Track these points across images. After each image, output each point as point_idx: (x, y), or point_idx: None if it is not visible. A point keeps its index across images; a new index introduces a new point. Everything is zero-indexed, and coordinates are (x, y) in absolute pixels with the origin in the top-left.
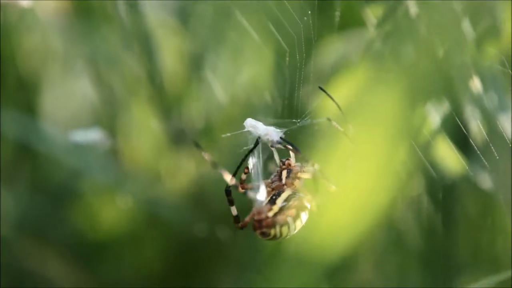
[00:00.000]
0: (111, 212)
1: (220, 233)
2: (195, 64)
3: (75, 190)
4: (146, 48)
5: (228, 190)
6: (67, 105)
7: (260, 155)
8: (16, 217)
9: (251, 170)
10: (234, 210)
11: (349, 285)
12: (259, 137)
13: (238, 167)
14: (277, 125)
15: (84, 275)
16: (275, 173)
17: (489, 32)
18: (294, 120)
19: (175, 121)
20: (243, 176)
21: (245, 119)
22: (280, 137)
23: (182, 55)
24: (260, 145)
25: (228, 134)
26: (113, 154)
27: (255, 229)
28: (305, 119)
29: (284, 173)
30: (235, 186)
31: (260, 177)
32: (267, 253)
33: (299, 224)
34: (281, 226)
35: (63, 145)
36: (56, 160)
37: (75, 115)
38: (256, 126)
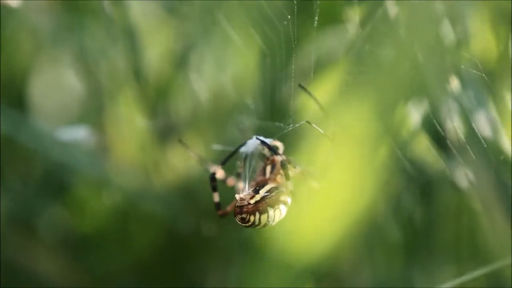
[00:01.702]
0: (99, 206)
1: (207, 227)
2: (181, 61)
3: (63, 184)
4: (132, 43)
5: (213, 176)
6: (55, 99)
7: (249, 158)
8: (5, 210)
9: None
10: (216, 197)
11: (331, 279)
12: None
13: (226, 160)
14: (260, 129)
15: (72, 268)
16: (260, 168)
17: (462, 37)
18: (277, 124)
19: (161, 116)
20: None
21: (229, 116)
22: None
23: (168, 51)
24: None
25: (219, 148)
26: (100, 148)
27: (235, 214)
28: (287, 124)
29: (269, 168)
30: (223, 180)
31: (247, 169)
32: (253, 248)
33: (278, 216)
34: (261, 214)
35: (51, 140)
36: (44, 154)
37: (63, 109)
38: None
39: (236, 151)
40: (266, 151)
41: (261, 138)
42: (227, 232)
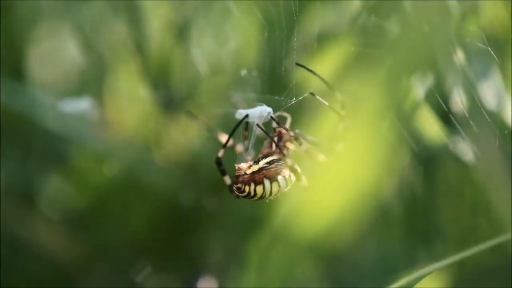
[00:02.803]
0: (99, 178)
1: (207, 201)
2: (181, 34)
3: (63, 156)
4: (134, 15)
5: (218, 160)
6: (55, 70)
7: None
8: (4, 181)
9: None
10: (227, 180)
11: (333, 253)
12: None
13: (228, 139)
14: (261, 102)
15: (72, 241)
16: (268, 140)
17: (470, 10)
18: (276, 98)
19: (162, 88)
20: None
21: (228, 89)
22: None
23: (169, 24)
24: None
25: (218, 110)
26: (101, 120)
27: (233, 183)
28: (288, 98)
29: (276, 140)
30: (232, 146)
31: (251, 141)
32: (256, 222)
33: (276, 188)
34: (256, 185)
35: (51, 111)
36: (44, 125)
37: (63, 80)
38: (252, 114)
39: (235, 128)
40: (273, 123)
41: (269, 109)
42: (229, 206)
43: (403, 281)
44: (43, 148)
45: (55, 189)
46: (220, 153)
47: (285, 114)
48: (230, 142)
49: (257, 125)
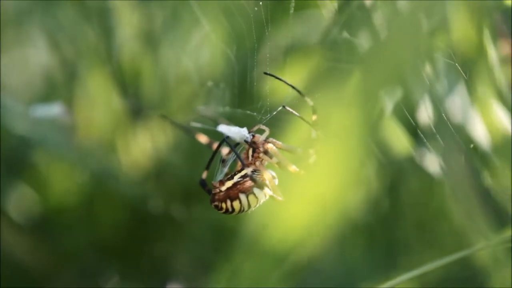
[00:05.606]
0: (66, 184)
1: (175, 209)
2: (150, 44)
3: (28, 160)
4: (106, 22)
5: (202, 182)
6: (22, 76)
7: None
8: None
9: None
10: None
11: (298, 262)
12: (227, 136)
13: (210, 161)
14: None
15: (37, 246)
16: (244, 153)
17: (438, 27)
18: (249, 112)
19: (132, 96)
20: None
21: (195, 100)
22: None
23: (139, 33)
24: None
25: (199, 125)
26: (69, 126)
27: (210, 202)
28: (260, 110)
29: (250, 152)
30: (209, 145)
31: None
32: (223, 232)
33: (253, 201)
34: (232, 200)
35: (19, 116)
36: (10, 130)
37: (31, 87)
38: (229, 129)
39: (215, 152)
40: (245, 133)
41: (248, 135)
42: (197, 215)
43: None
44: (9, 152)
45: (20, 194)
46: (204, 175)
47: (264, 127)
48: (207, 141)
49: (225, 139)
